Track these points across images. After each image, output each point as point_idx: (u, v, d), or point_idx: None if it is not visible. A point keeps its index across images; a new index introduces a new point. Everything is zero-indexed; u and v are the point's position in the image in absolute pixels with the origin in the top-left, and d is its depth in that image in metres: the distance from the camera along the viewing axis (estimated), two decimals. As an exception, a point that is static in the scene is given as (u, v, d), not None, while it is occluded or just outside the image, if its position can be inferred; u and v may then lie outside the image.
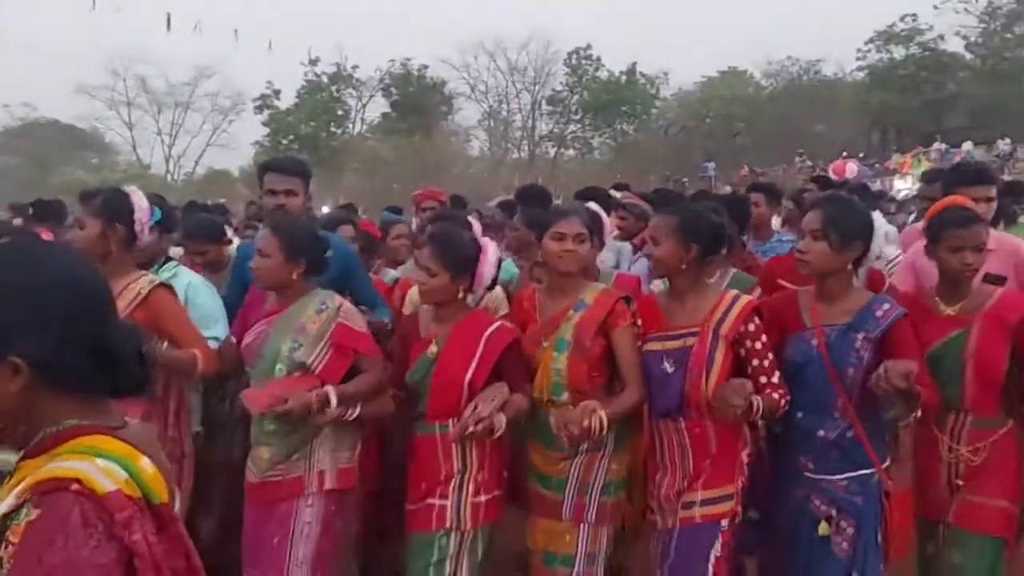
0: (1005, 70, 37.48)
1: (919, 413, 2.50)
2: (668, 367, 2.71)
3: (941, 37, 40.08)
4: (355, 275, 3.54)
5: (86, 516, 1.07)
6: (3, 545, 1.07)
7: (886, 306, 2.64)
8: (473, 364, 2.76)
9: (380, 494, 3.27)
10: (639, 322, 2.84)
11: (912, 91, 39.01)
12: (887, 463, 2.69)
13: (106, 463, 1.13)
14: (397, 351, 3.06)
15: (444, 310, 2.88)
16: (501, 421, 2.64)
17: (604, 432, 2.61)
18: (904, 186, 22.06)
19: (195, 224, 4.22)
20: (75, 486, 1.09)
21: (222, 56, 47.71)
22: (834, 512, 2.64)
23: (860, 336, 2.61)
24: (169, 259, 3.57)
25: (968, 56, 40.22)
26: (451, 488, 2.76)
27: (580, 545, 2.81)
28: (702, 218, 2.78)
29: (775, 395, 2.63)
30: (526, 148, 48.83)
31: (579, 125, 48.85)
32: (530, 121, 48.66)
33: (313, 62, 46.11)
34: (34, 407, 1.17)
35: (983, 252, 2.73)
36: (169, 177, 45.50)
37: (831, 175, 18.23)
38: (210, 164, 47.53)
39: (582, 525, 2.81)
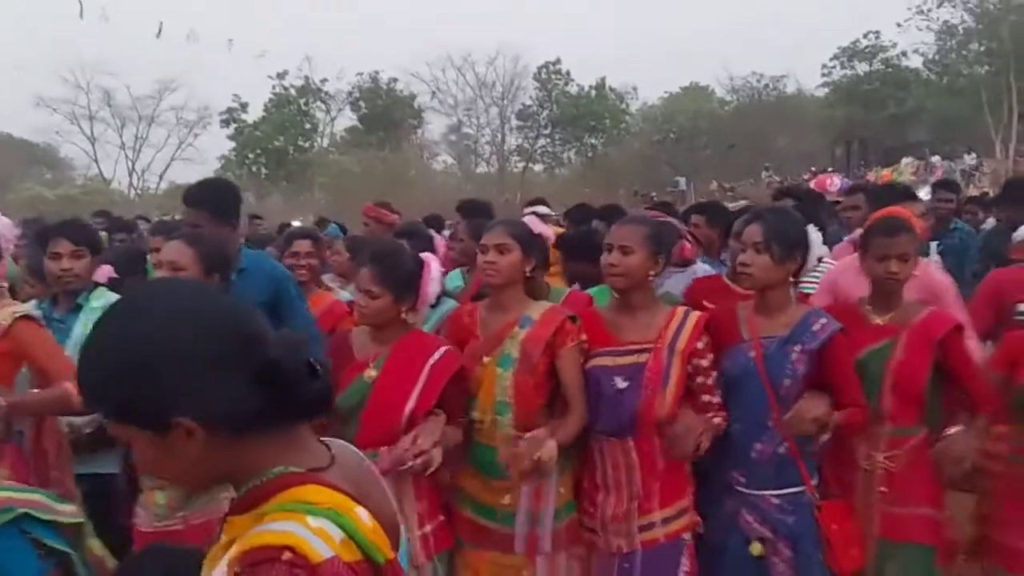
0: (962, 86, 38.40)
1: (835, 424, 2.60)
2: (620, 384, 2.65)
3: (904, 54, 41.02)
4: (287, 300, 3.30)
5: None
6: None
7: (823, 320, 2.67)
8: (415, 392, 2.61)
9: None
10: (583, 338, 2.75)
11: (876, 106, 39.72)
12: (815, 479, 2.71)
13: (319, 522, 1.01)
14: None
15: (384, 330, 2.72)
16: (438, 456, 2.52)
17: (553, 462, 2.51)
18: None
19: (162, 224, 3.92)
20: (287, 555, 0.97)
21: (189, 68, 47.17)
22: (769, 533, 2.64)
23: (797, 349, 2.64)
24: (98, 285, 3.40)
25: (927, 73, 41.14)
26: None
27: None
28: (666, 228, 2.80)
29: (716, 419, 2.65)
30: (495, 162, 48.82)
31: (548, 139, 48.98)
32: (499, 135, 48.69)
33: (281, 75, 45.75)
34: (227, 463, 1.08)
35: (909, 262, 2.75)
36: (132, 192, 44.68)
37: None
38: (177, 179, 46.81)
39: (539, 558, 2.71)
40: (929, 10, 38.72)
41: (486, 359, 2.73)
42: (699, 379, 2.69)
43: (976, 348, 3.06)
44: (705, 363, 2.69)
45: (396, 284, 2.66)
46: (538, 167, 49.60)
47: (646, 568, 2.64)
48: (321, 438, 1.20)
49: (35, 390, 2.82)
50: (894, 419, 2.74)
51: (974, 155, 29.59)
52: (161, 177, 46.94)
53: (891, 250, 2.72)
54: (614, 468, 2.70)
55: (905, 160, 29.09)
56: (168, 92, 44.89)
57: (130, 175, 46.33)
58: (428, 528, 2.66)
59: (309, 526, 1.00)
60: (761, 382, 2.64)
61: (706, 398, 2.68)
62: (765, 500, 2.66)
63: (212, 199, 3.30)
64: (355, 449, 1.25)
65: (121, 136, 45.87)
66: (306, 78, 45.93)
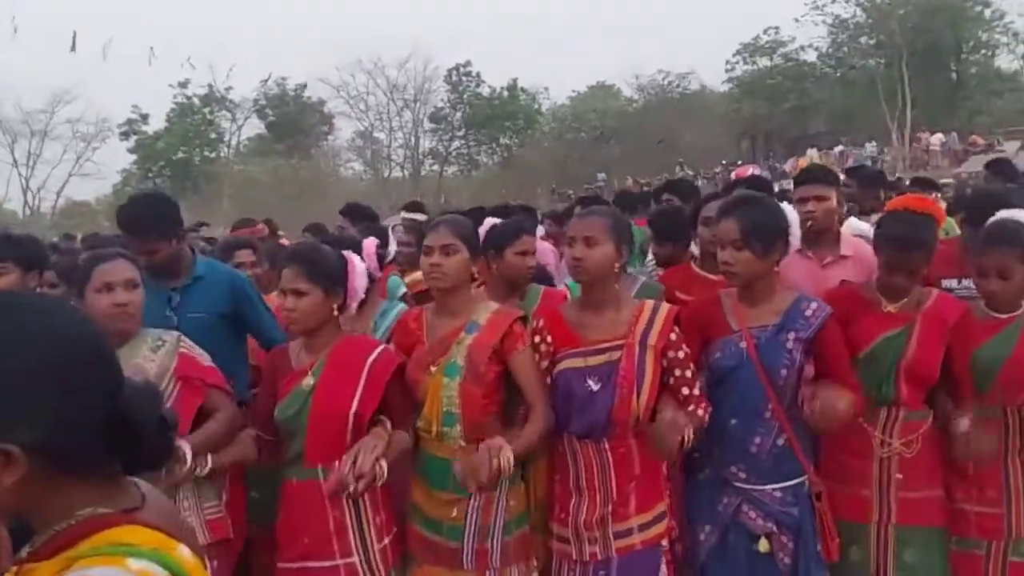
0: (855, 78, 40.12)
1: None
2: (593, 385, 2.54)
3: (802, 48, 42.53)
4: (249, 304, 3.18)
5: None
6: None
7: (814, 305, 2.62)
8: (358, 393, 2.51)
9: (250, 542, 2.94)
10: (548, 339, 2.62)
11: (778, 100, 41.03)
12: (813, 465, 2.68)
13: (141, 564, 0.95)
14: (264, 388, 2.72)
15: (317, 336, 2.58)
16: (383, 469, 2.38)
17: (512, 472, 2.42)
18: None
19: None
20: None
21: (83, 79, 44.97)
22: (773, 526, 2.58)
23: (791, 336, 2.58)
24: None
25: (822, 66, 42.75)
26: (352, 545, 2.50)
27: None
28: (624, 220, 2.72)
29: (699, 411, 2.55)
30: (409, 166, 48.34)
31: (462, 141, 48.81)
32: (412, 139, 48.23)
33: (183, 84, 44.15)
34: (37, 498, 0.98)
35: (915, 275, 2.68)
36: (28, 211, 42.28)
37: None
38: (76, 195, 44.53)
39: (488, 572, 2.59)
40: (824, 5, 40.33)
41: (433, 368, 2.59)
42: (676, 372, 2.58)
43: None
44: (681, 355, 2.58)
45: (324, 278, 2.54)
46: (452, 169, 49.41)
47: (621, 575, 2.54)
48: (128, 477, 1.09)
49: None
50: (908, 405, 2.71)
51: (875, 143, 31.02)
52: (59, 194, 44.60)
53: (899, 264, 2.65)
54: (588, 472, 2.58)
55: (810, 150, 30.10)
56: (62, 105, 42.63)
57: (24, 193, 43.84)
58: (387, 541, 2.59)
59: (131, 569, 0.93)
60: (756, 373, 2.56)
61: (685, 391, 2.57)
62: (767, 494, 2.60)
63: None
64: (159, 492, 1.16)
65: (13, 153, 43.34)
66: (209, 86, 44.49)
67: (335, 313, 2.60)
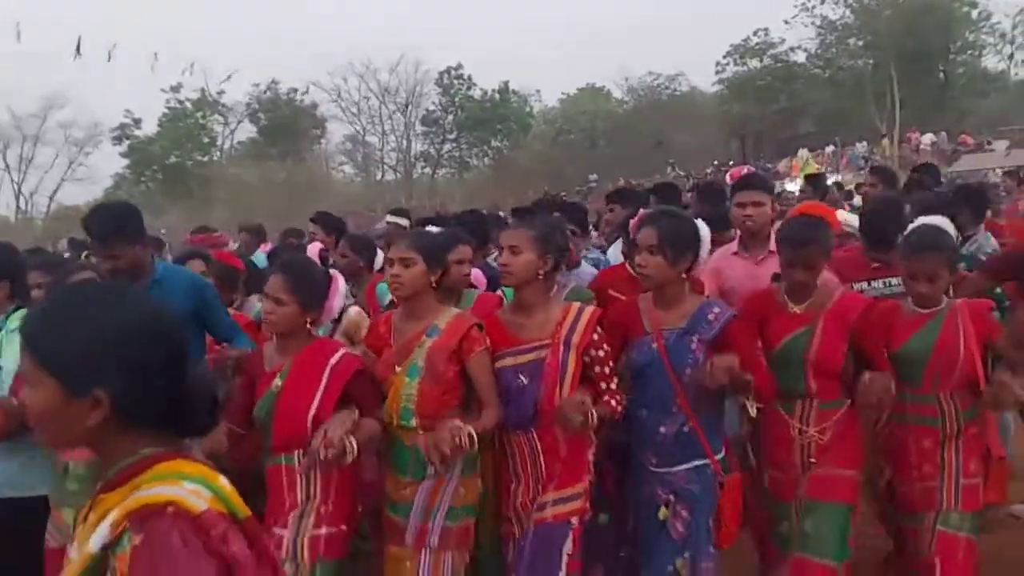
0: (843, 79, 40.41)
1: (755, 401, 2.78)
2: (523, 380, 2.83)
3: (792, 50, 42.79)
4: (209, 306, 3.43)
5: (184, 536, 1.14)
6: (109, 573, 1.15)
7: (716, 309, 2.90)
8: (317, 396, 2.72)
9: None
10: (487, 341, 2.89)
11: (768, 100, 41.27)
12: (720, 454, 2.91)
13: (192, 485, 1.21)
14: (239, 387, 2.95)
15: (288, 341, 2.83)
16: (353, 444, 2.57)
17: (474, 448, 2.65)
18: (793, 188, 23.00)
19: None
20: (170, 508, 1.16)
21: (74, 84, 44.92)
22: (672, 498, 2.84)
23: (695, 338, 2.84)
24: (20, 308, 3.17)
25: (811, 67, 43.05)
26: (291, 518, 2.69)
27: (420, 573, 2.77)
28: (556, 231, 3.03)
29: (612, 402, 2.82)
30: (401, 169, 48.46)
31: (454, 144, 48.94)
32: (404, 142, 48.34)
33: (175, 88, 44.14)
34: (108, 441, 1.25)
35: (813, 270, 2.95)
36: (21, 216, 42.23)
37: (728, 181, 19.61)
38: (69, 200, 44.43)
39: (423, 551, 2.79)
40: (813, 6, 40.60)
41: (398, 368, 2.85)
42: (596, 368, 2.85)
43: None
44: (601, 354, 2.84)
45: (304, 293, 2.77)
46: (443, 172, 49.51)
47: (534, 544, 2.77)
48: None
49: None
50: (821, 395, 2.96)
51: (865, 143, 31.32)
52: (51, 199, 44.58)
53: (796, 260, 2.93)
54: (521, 458, 2.87)
55: (802, 151, 30.29)
56: (54, 109, 42.63)
57: (16, 198, 43.81)
58: (323, 531, 2.68)
59: (184, 487, 1.20)
60: (665, 371, 2.84)
61: (603, 385, 2.84)
62: (675, 475, 2.87)
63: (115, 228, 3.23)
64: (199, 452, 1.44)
65: (4, 158, 43.33)
66: (202, 90, 44.49)
67: (308, 324, 2.83)
